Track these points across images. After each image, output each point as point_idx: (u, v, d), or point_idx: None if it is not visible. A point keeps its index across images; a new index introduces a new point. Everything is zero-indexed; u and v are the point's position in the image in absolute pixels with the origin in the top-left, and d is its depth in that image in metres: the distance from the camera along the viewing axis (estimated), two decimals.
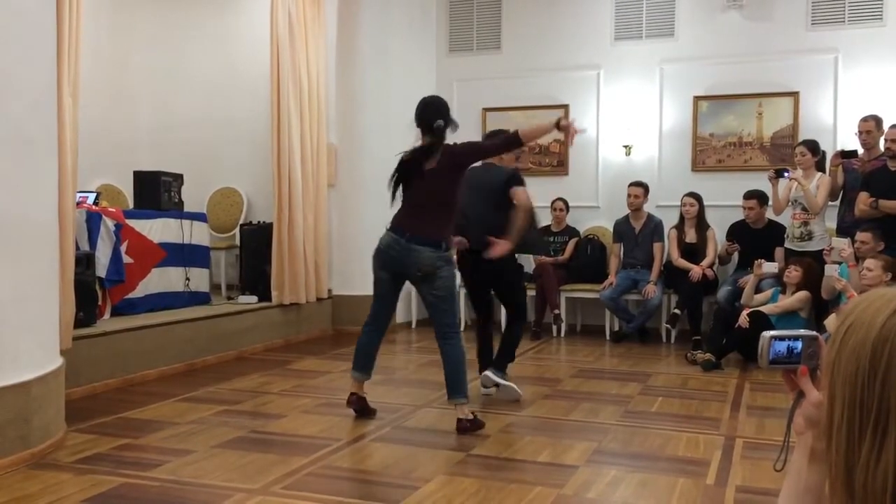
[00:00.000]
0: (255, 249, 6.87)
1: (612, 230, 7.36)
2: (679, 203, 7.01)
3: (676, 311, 6.70)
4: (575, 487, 3.23)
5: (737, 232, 6.77)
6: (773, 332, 1.17)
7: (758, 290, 6.07)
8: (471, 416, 4.05)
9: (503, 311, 5.21)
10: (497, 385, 4.76)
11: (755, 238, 6.59)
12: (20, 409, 3.48)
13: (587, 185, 7.81)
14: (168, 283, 6.13)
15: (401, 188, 4.20)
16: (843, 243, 5.47)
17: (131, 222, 5.83)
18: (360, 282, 7.49)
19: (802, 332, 1.17)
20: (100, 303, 5.36)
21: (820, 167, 6.31)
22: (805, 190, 6.04)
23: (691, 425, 4.21)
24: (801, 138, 6.75)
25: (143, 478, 3.31)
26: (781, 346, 1.15)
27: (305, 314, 7.05)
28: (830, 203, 6.24)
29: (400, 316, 7.82)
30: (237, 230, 7.53)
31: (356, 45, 7.43)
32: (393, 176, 4.22)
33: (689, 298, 6.63)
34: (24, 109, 3.53)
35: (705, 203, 6.95)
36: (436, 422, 4.27)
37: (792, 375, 1.16)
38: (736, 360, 5.93)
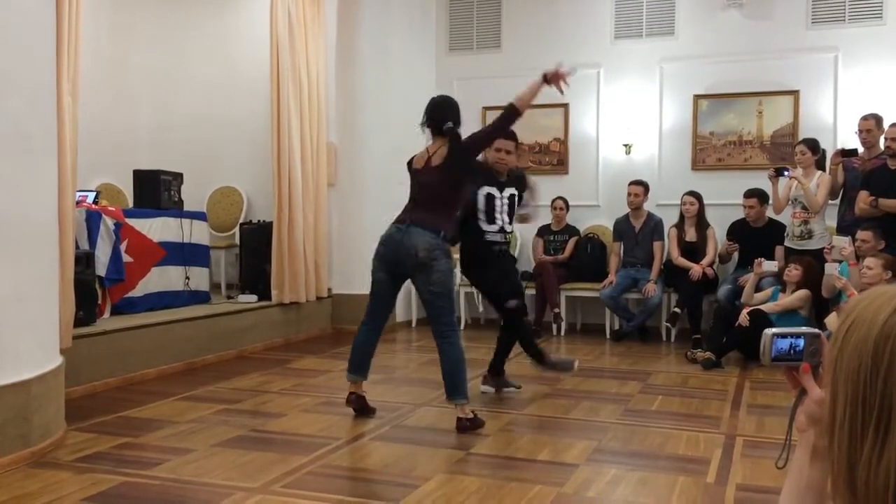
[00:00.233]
0: (255, 248, 6.87)
1: (612, 229, 7.36)
2: (679, 202, 7.01)
3: (676, 309, 6.70)
4: (575, 486, 3.23)
5: (737, 231, 6.77)
6: (775, 330, 1.17)
7: (758, 288, 6.07)
8: (471, 416, 4.04)
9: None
10: (512, 387, 4.87)
11: (755, 237, 6.59)
12: (20, 407, 3.48)
13: (587, 184, 7.81)
14: (168, 282, 6.13)
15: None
16: (843, 242, 5.47)
17: (131, 221, 5.83)
18: (359, 281, 7.49)
19: (805, 329, 1.16)
20: (99, 302, 5.35)
21: (820, 166, 6.31)
22: (805, 189, 6.04)
23: (691, 424, 4.20)
24: (801, 137, 6.75)
25: (142, 476, 3.30)
26: (784, 344, 1.15)
27: (305, 313, 7.05)
28: (830, 202, 6.24)
29: (400, 315, 7.83)
30: (237, 229, 7.53)
31: (356, 44, 7.42)
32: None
33: (689, 297, 6.63)
34: (24, 108, 3.53)
35: (705, 202, 6.95)
36: (435, 420, 4.27)
37: (794, 373, 1.16)
38: (736, 358, 5.93)
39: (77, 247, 4.97)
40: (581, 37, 7.78)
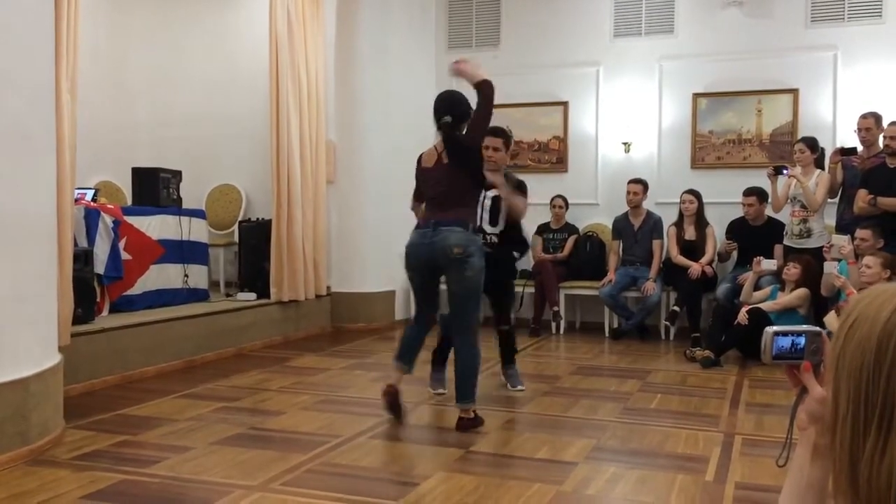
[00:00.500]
0: (254, 246, 6.86)
1: (611, 227, 7.35)
2: (678, 200, 7.01)
3: (675, 308, 6.70)
4: (574, 484, 3.23)
5: (736, 229, 6.77)
6: (776, 328, 1.17)
7: (757, 287, 6.07)
8: (472, 415, 4.03)
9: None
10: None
11: (754, 235, 6.59)
12: (18, 405, 3.47)
13: (586, 183, 7.80)
14: (167, 279, 6.13)
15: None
16: (842, 240, 5.47)
17: (130, 219, 5.82)
18: (358, 279, 7.51)
19: (806, 327, 1.16)
20: (98, 299, 5.35)
21: (819, 164, 6.30)
22: (804, 187, 6.04)
23: (690, 422, 4.20)
24: (800, 135, 6.75)
25: (141, 474, 3.30)
26: (785, 342, 1.15)
27: (304, 311, 7.04)
28: (829, 200, 6.24)
29: (399, 313, 7.83)
30: (236, 227, 7.52)
31: (355, 42, 7.41)
32: (418, 176, 4.23)
33: (688, 295, 6.63)
34: (23, 106, 3.52)
35: (704, 200, 6.95)
36: (435, 419, 4.27)
37: (795, 371, 1.15)
38: (735, 357, 5.93)
39: (76, 244, 4.97)
40: (580, 35, 7.77)
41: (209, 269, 6.86)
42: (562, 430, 4.12)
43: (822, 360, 1.13)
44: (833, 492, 0.96)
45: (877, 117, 6.00)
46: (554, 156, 7.94)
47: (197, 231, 6.52)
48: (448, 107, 4.06)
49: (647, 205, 7.18)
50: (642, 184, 7.10)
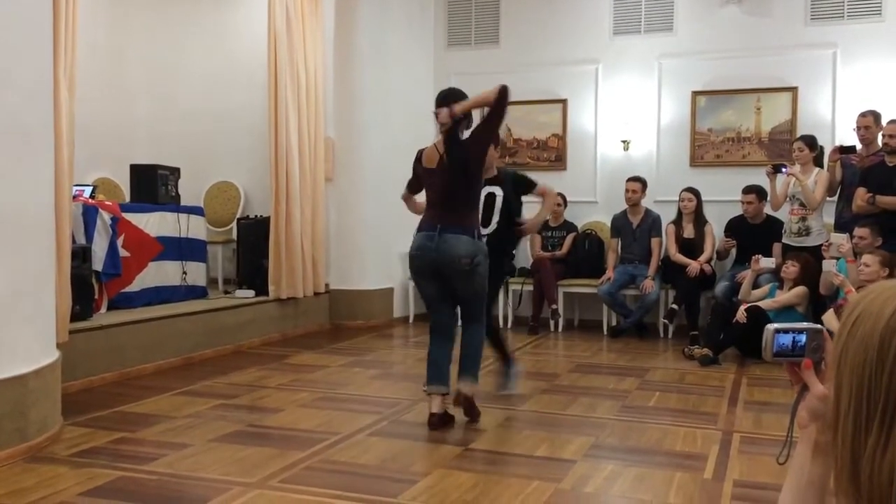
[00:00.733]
0: (253, 243, 6.86)
1: (609, 225, 7.35)
2: (677, 198, 7.01)
3: (674, 306, 6.70)
4: (573, 482, 3.23)
5: (735, 227, 6.77)
6: (777, 325, 1.17)
7: (756, 285, 6.07)
8: (469, 395, 4.01)
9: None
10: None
11: (753, 233, 6.59)
12: (17, 402, 3.47)
13: (585, 180, 7.80)
14: (165, 276, 6.12)
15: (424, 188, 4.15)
16: (841, 238, 5.47)
17: (128, 216, 5.81)
18: (357, 276, 7.50)
19: (806, 325, 1.16)
20: (96, 296, 5.34)
21: (818, 162, 6.30)
22: (803, 185, 6.04)
23: (689, 420, 4.20)
24: (799, 133, 6.74)
25: (139, 471, 3.30)
26: (786, 339, 1.15)
27: (303, 308, 7.04)
28: (828, 198, 6.24)
29: (397, 310, 7.83)
30: (234, 224, 7.51)
31: (354, 39, 7.40)
32: (417, 170, 4.15)
33: (686, 293, 6.63)
34: (21, 102, 3.52)
35: (703, 198, 6.95)
36: None
37: (796, 368, 1.15)
38: (733, 355, 5.93)
39: (74, 241, 4.96)
40: (580, 32, 7.77)
41: (207, 266, 6.85)
42: (560, 427, 4.11)
43: (823, 357, 1.13)
44: (834, 489, 0.96)
45: (876, 115, 5.99)
46: (553, 153, 7.93)
47: (195, 228, 6.51)
48: (449, 104, 4.03)
49: (646, 203, 7.18)
50: (641, 182, 7.10)
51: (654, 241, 7.03)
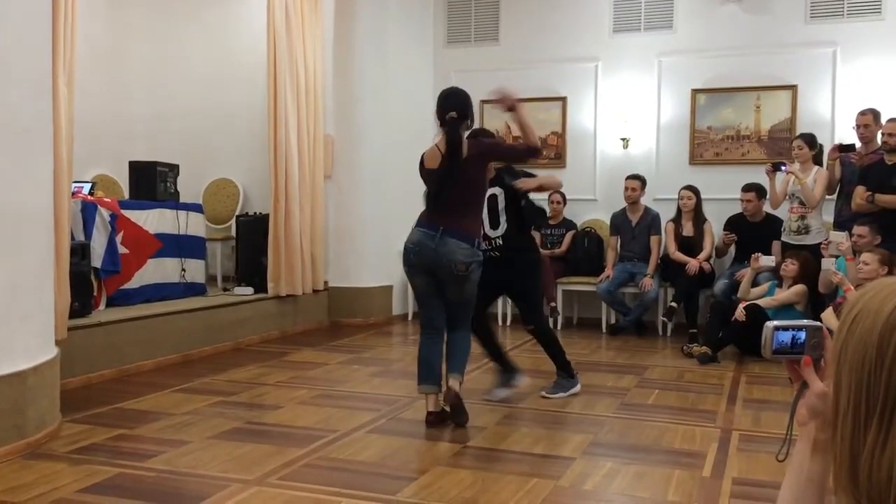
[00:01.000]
0: (252, 241, 6.85)
1: (609, 223, 7.35)
2: (676, 196, 7.01)
3: (673, 304, 6.70)
4: (571, 479, 3.23)
5: (734, 225, 6.77)
6: (776, 322, 1.16)
7: (755, 283, 6.07)
8: (457, 390, 4.01)
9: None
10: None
11: (752, 231, 6.59)
12: (15, 398, 3.47)
13: (584, 178, 7.80)
14: (164, 273, 6.12)
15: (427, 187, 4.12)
16: (840, 237, 5.47)
17: (127, 213, 5.81)
18: (356, 274, 7.50)
19: (806, 322, 1.16)
20: (95, 293, 5.34)
21: (817, 161, 6.30)
22: (802, 184, 6.04)
23: (687, 418, 4.21)
24: (798, 132, 6.74)
25: (138, 468, 3.30)
26: (785, 337, 1.15)
27: (301, 306, 7.04)
28: (828, 197, 6.24)
29: (396, 308, 7.83)
30: (233, 221, 7.51)
31: (353, 37, 7.39)
32: (423, 176, 4.11)
33: (685, 291, 6.63)
34: (20, 99, 3.51)
35: (703, 196, 6.95)
36: None
37: (795, 366, 1.15)
38: (732, 353, 5.93)
39: (73, 238, 4.96)
40: (579, 30, 7.76)
41: (206, 263, 6.85)
42: (559, 425, 4.12)
43: (823, 354, 1.13)
44: (833, 487, 0.96)
45: (875, 114, 5.99)
46: (552, 151, 7.93)
47: (194, 225, 6.51)
48: (453, 103, 4.02)
49: (645, 201, 7.18)
50: (640, 180, 7.10)
51: (654, 239, 7.03)
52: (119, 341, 5.11)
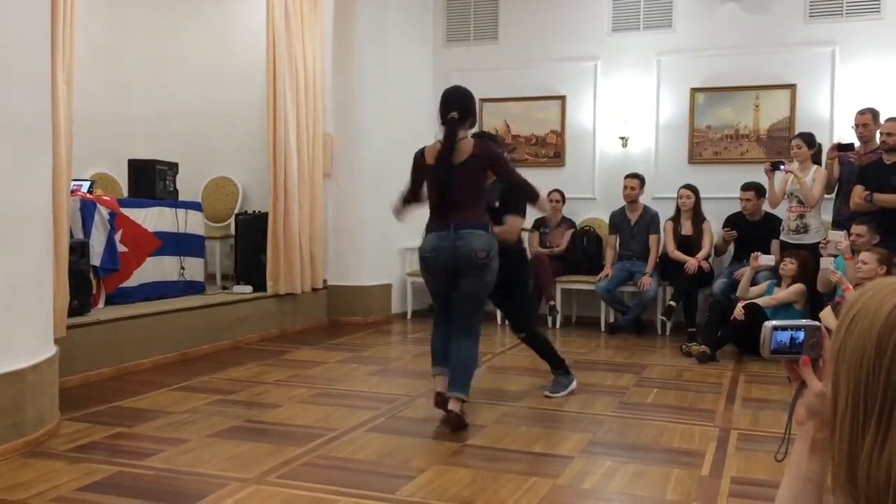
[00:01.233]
0: (251, 239, 6.85)
1: (608, 222, 7.35)
2: (675, 195, 7.01)
3: (672, 302, 6.70)
4: (570, 478, 3.23)
5: (733, 224, 6.78)
6: (775, 322, 1.17)
7: (754, 282, 6.08)
8: (461, 411, 3.98)
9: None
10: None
11: (751, 230, 6.59)
12: (14, 397, 3.47)
13: (584, 177, 7.80)
14: (163, 272, 6.11)
15: (426, 186, 4.10)
16: (839, 236, 5.47)
17: (126, 211, 5.81)
18: (355, 272, 7.50)
19: (805, 322, 1.16)
20: (94, 291, 5.34)
21: (816, 160, 6.30)
22: (801, 183, 6.04)
23: (686, 417, 4.21)
24: (797, 131, 6.75)
25: (137, 466, 3.30)
26: (784, 336, 1.15)
27: (301, 304, 7.04)
28: (826, 196, 6.24)
29: (395, 307, 7.83)
30: (232, 220, 7.50)
31: (353, 35, 7.39)
32: (413, 173, 4.12)
33: (684, 290, 6.64)
34: (20, 99, 3.51)
35: (701, 195, 6.95)
36: (431, 412, 4.26)
37: (794, 365, 1.15)
38: (731, 352, 5.93)
39: (71, 236, 4.95)
40: (579, 29, 7.76)
41: (205, 261, 6.85)
42: (558, 424, 4.12)
43: (821, 354, 1.13)
44: (831, 486, 0.96)
45: (874, 113, 5.99)
46: (551, 150, 7.93)
47: (193, 223, 6.50)
48: (455, 102, 4.02)
49: (644, 199, 7.18)
50: (639, 178, 7.10)
51: (653, 237, 7.04)
52: (118, 340, 5.10)
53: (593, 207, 7.75)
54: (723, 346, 5.83)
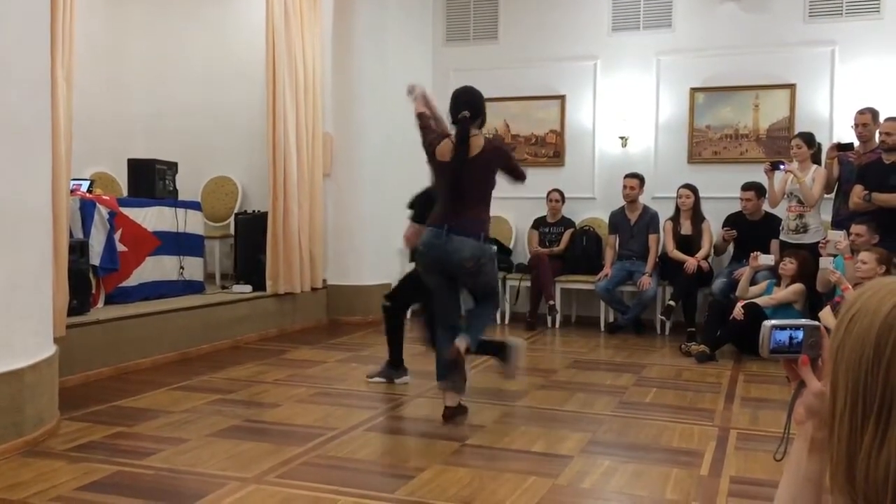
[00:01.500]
0: (250, 239, 6.85)
1: (607, 221, 7.35)
2: (675, 195, 7.01)
3: (671, 302, 6.70)
4: (569, 477, 3.23)
5: (733, 224, 6.77)
6: (774, 322, 1.17)
7: (753, 282, 6.08)
8: (462, 349, 3.98)
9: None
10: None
11: (751, 230, 6.59)
12: (13, 396, 3.46)
13: (583, 176, 7.80)
14: (162, 271, 6.11)
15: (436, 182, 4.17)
16: (838, 236, 5.47)
17: (125, 210, 5.81)
18: (354, 272, 7.50)
19: (804, 321, 1.16)
20: (93, 291, 5.34)
21: (816, 160, 6.30)
22: (800, 182, 6.04)
23: (685, 416, 4.21)
24: (797, 131, 6.74)
25: (136, 466, 3.30)
26: (783, 336, 1.15)
27: (300, 304, 7.03)
28: (826, 196, 6.24)
29: None
30: (232, 219, 7.50)
31: (352, 35, 7.38)
32: (433, 165, 4.17)
33: (683, 290, 6.64)
34: (20, 99, 3.51)
35: (701, 195, 6.95)
36: (431, 411, 4.27)
37: (793, 365, 1.15)
38: (730, 351, 5.93)
39: (71, 236, 4.95)
40: (578, 29, 7.76)
41: (205, 261, 6.85)
42: (557, 423, 4.12)
43: (821, 354, 1.13)
44: (830, 486, 0.96)
45: (874, 113, 5.99)
46: (551, 150, 7.93)
47: (193, 223, 6.50)
48: (466, 102, 4.06)
49: (644, 199, 7.18)
50: (639, 178, 7.10)
51: (652, 237, 7.04)
52: (117, 339, 5.10)
53: (593, 207, 7.75)
54: (722, 345, 5.83)
